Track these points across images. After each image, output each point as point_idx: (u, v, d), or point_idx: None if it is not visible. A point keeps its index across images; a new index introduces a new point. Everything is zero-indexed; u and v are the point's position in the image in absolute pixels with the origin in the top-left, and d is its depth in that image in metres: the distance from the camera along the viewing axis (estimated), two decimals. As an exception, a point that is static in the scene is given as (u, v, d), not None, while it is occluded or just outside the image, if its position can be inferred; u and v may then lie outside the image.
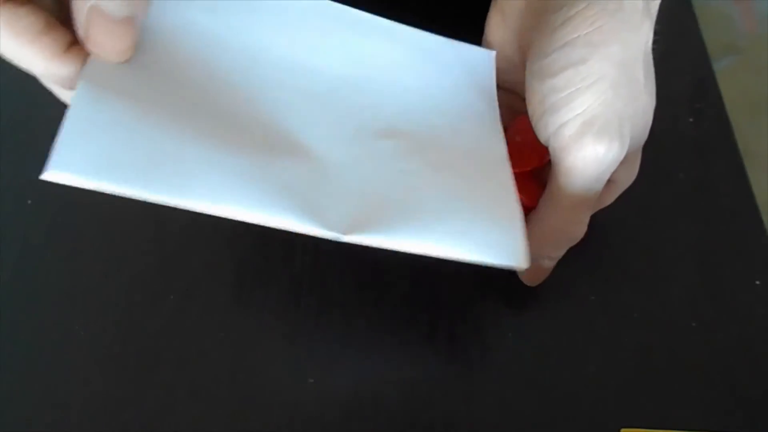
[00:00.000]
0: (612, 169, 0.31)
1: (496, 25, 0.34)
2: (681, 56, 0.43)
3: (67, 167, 0.23)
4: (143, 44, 0.27)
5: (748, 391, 0.34)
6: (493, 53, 0.35)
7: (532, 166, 0.34)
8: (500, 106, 0.36)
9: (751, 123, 1.16)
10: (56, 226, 0.38)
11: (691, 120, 0.42)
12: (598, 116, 0.29)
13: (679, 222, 0.39)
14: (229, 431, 0.33)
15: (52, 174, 0.23)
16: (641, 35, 0.29)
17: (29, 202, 0.38)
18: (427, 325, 0.35)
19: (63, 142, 0.23)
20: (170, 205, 0.25)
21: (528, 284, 0.35)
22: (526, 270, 0.34)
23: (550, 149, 0.31)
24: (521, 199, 0.32)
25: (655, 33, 0.31)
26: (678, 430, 0.33)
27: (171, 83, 0.27)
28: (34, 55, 0.25)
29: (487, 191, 0.30)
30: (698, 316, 0.36)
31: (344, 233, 0.27)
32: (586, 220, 0.32)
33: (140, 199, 0.24)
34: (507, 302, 0.36)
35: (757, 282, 0.37)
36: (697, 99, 0.43)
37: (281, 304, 0.36)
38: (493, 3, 0.34)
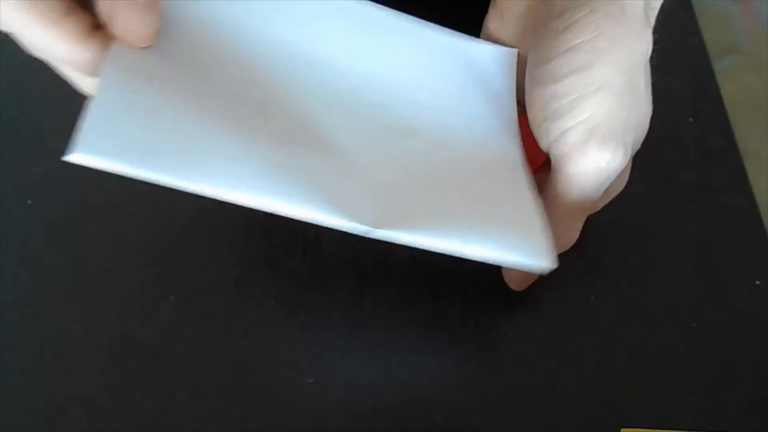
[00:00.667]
0: (613, 178, 0.30)
1: (495, 26, 0.34)
2: (681, 56, 0.43)
3: (92, 149, 0.23)
4: (168, 33, 0.27)
5: (748, 391, 0.34)
6: (515, 51, 0.34)
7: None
8: None
9: (751, 123, 1.16)
10: (56, 226, 0.38)
11: (691, 120, 0.42)
12: (602, 124, 0.28)
13: (679, 222, 0.39)
14: (229, 431, 0.33)
15: (78, 156, 0.23)
16: (643, 43, 0.29)
17: (29, 202, 0.38)
18: (427, 326, 0.35)
19: (89, 125, 0.23)
20: (194, 191, 0.24)
21: (515, 288, 0.35)
22: (513, 274, 0.34)
23: (551, 156, 0.31)
24: None
25: (655, 42, 0.31)
26: (678, 430, 0.33)
27: (196, 71, 0.27)
28: (58, 38, 0.24)
29: (508, 193, 0.30)
30: (698, 316, 0.36)
31: (375, 227, 0.26)
32: (580, 226, 0.32)
33: (163, 184, 0.24)
34: (507, 302, 0.36)
35: (757, 282, 0.37)
36: (697, 99, 0.43)
37: (281, 304, 0.36)
38: (492, 3, 0.34)
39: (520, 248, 0.28)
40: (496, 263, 0.29)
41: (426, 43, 0.33)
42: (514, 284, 0.35)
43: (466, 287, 0.37)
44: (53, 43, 0.24)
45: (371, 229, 0.26)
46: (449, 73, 0.33)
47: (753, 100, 1.20)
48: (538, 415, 0.33)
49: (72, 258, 0.37)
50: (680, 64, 0.43)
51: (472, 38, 0.34)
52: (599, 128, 0.28)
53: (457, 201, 0.29)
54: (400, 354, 0.35)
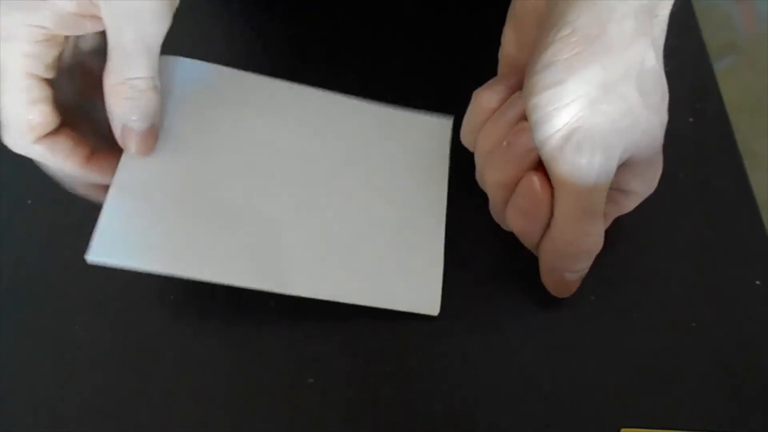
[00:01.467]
0: (605, 180, 0.31)
1: (510, 31, 0.35)
2: (681, 56, 0.43)
3: (103, 254, 0.32)
4: (166, 141, 0.35)
5: (748, 391, 0.34)
6: (451, 120, 0.40)
7: None
8: None
9: (751, 123, 1.16)
10: (56, 226, 0.38)
11: (691, 120, 0.42)
12: (576, 131, 0.30)
13: (679, 222, 0.39)
14: (229, 431, 0.33)
15: (92, 258, 0.32)
16: (629, 55, 0.30)
17: (29, 202, 0.38)
18: (427, 326, 0.36)
19: (101, 231, 0.32)
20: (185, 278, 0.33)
21: (557, 296, 0.36)
22: (552, 283, 0.35)
23: (542, 159, 0.32)
24: None
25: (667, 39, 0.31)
26: (678, 430, 0.33)
27: (187, 174, 0.35)
28: (69, 166, 0.34)
29: (419, 251, 0.36)
30: (698, 316, 0.36)
31: (283, 291, 0.34)
32: (598, 231, 0.33)
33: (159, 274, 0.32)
34: (507, 302, 0.36)
35: (757, 282, 0.37)
36: (697, 99, 0.43)
37: (281, 304, 0.36)
38: (510, 8, 0.35)
39: (412, 301, 0.35)
40: (390, 309, 0.35)
41: (370, 120, 0.39)
42: (556, 292, 0.36)
43: (467, 287, 0.37)
44: (65, 169, 0.34)
45: (281, 291, 0.34)
46: (389, 144, 0.39)
47: (753, 100, 1.20)
48: (539, 415, 0.33)
49: (71, 258, 0.37)
50: (680, 64, 0.43)
51: (413, 110, 0.40)
52: (573, 135, 0.30)
53: (369, 259, 0.36)
54: (400, 353, 0.35)
